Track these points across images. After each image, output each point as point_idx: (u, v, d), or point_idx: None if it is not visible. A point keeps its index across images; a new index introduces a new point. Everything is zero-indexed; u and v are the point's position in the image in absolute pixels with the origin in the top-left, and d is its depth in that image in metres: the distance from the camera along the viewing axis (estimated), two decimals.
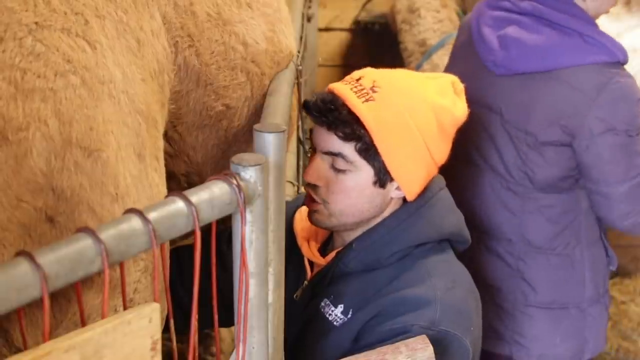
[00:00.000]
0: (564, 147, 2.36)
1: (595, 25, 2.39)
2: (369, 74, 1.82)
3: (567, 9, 2.36)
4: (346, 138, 1.76)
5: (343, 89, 1.78)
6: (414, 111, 1.77)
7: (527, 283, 2.48)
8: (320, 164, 1.80)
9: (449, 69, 2.65)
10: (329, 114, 1.76)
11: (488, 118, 2.43)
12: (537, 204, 2.44)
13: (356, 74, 1.83)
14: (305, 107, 1.82)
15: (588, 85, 2.30)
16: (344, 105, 1.76)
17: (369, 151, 1.76)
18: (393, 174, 1.78)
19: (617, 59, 2.33)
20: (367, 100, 1.75)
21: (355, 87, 1.78)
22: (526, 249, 2.47)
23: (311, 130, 1.84)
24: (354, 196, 1.79)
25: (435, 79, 1.88)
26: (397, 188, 1.81)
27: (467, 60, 2.53)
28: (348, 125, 1.75)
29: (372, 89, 1.77)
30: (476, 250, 2.44)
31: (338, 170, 1.78)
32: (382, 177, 1.78)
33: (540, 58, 2.35)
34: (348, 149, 1.76)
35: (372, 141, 1.75)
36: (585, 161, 2.36)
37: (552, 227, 2.45)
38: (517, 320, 2.50)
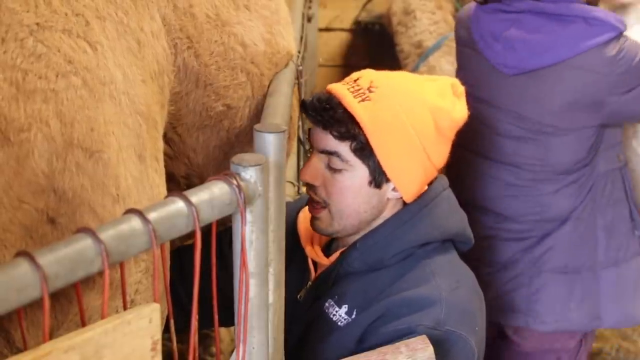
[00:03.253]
0: (586, 129, 2.41)
1: (594, 4, 2.44)
2: (367, 75, 1.82)
3: None
4: (341, 137, 1.76)
5: (340, 88, 1.79)
6: (411, 112, 1.77)
7: (539, 252, 2.50)
8: (317, 163, 1.81)
9: (459, 66, 2.70)
10: (324, 113, 1.77)
11: (500, 117, 2.47)
12: (557, 184, 2.48)
13: (355, 74, 1.84)
14: (303, 106, 1.82)
15: (599, 63, 2.35)
16: (339, 104, 1.76)
17: (363, 151, 1.76)
18: (389, 174, 1.78)
19: (620, 30, 2.37)
20: (363, 100, 1.76)
21: (353, 87, 1.78)
22: (546, 225, 2.50)
23: (310, 130, 1.85)
24: (350, 196, 1.79)
25: (434, 81, 1.88)
26: (394, 189, 1.81)
27: (474, 61, 2.56)
28: (343, 124, 1.75)
29: (368, 89, 1.77)
30: (490, 232, 2.51)
31: (334, 170, 1.79)
32: (378, 177, 1.78)
33: (549, 52, 2.38)
34: (343, 148, 1.77)
35: (367, 141, 1.75)
36: (618, 122, 2.46)
37: (573, 201, 2.48)
38: (532, 289, 2.51)
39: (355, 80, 1.80)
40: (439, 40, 3.87)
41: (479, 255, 2.47)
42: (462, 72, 2.64)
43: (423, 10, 3.99)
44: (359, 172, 1.78)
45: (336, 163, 1.78)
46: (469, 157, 2.53)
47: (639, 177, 2.65)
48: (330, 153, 1.78)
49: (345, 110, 1.76)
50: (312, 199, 1.84)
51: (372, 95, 1.76)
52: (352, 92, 1.77)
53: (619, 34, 2.36)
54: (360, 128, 1.75)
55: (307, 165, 1.82)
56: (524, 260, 2.52)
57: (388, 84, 1.80)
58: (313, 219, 1.85)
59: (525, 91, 2.43)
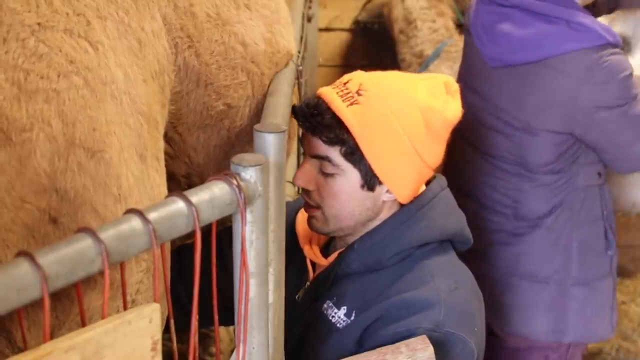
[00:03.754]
0: (558, 134, 2.41)
1: (582, 11, 2.42)
2: (356, 77, 1.80)
3: None
4: (330, 142, 1.75)
5: (329, 92, 1.78)
6: (400, 113, 1.75)
7: (512, 253, 2.52)
8: (309, 168, 1.81)
9: (462, 55, 2.75)
10: (312, 119, 1.76)
11: (483, 105, 2.50)
12: (533, 183, 2.49)
13: (345, 77, 1.82)
14: (293, 112, 1.81)
15: (576, 70, 2.34)
16: (328, 109, 1.75)
17: (354, 155, 1.75)
18: (380, 177, 1.77)
19: (607, 41, 2.35)
20: (351, 104, 1.74)
21: (342, 90, 1.77)
22: (518, 222, 2.52)
23: (302, 135, 1.84)
24: (343, 199, 1.79)
25: (427, 79, 1.85)
26: (388, 191, 1.80)
27: (469, 49, 2.62)
28: (332, 129, 1.74)
29: (357, 92, 1.75)
30: (473, 220, 2.49)
31: (326, 175, 1.78)
32: (370, 181, 1.77)
33: (529, 49, 2.39)
34: (334, 153, 1.76)
35: (356, 145, 1.74)
36: (589, 140, 2.41)
37: (546, 205, 2.49)
38: (499, 289, 2.54)
39: (344, 84, 1.79)
40: (438, 47, 3.88)
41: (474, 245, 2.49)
42: (463, 60, 2.70)
43: (424, 20, 4.00)
44: (350, 176, 1.77)
45: (328, 168, 1.77)
46: (460, 144, 2.55)
47: (618, 196, 2.67)
48: (321, 158, 1.78)
49: (333, 115, 1.74)
50: (307, 202, 1.84)
51: (360, 98, 1.75)
52: (341, 96, 1.76)
53: (606, 44, 2.34)
54: (349, 132, 1.74)
55: (300, 170, 1.82)
56: (500, 260, 2.54)
57: (378, 86, 1.77)
58: (309, 218, 1.86)
59: (504, 85, 2.47)
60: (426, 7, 4.03)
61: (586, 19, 2.37)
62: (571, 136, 2.41)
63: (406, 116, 1.76)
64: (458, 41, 3.86)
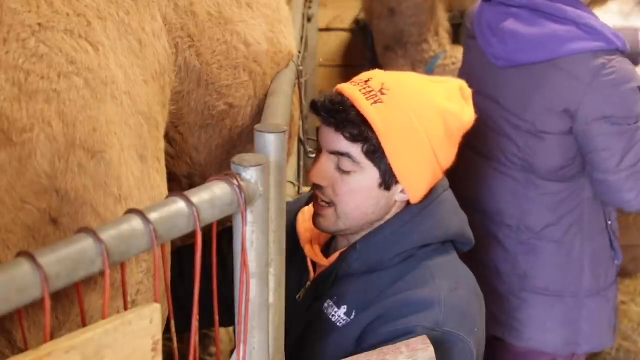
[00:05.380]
0: (565, 135, 2.39)
1: (592, 13, 2.42)
2: (377, 76, 1.82)
3: None
4: (354, 139, 1.76)
5: (352, 90, 1.78)
6: (422, 115, 1.77)
7: (523, 268, 2.50)
8: (326, 164, 1.80)
9: (463, 60, 2.73)
10: (338, 115, 1.76)
11: (489, 108, 2.47)
12: (538, 191, 2.46)
13: (365, 75, 1.83)
14: (314, 107, 1.81)
15: (583, 71, 2.33)
16: (352, 106, 1.76)
17: (375, 153, 1.76)
18: (399, 176, 1.78)
19: (615, 47, 2.34)
20: (375, 102, 1.75)
21: (364, 88, 1.78)
22: (525, 234, 2.50)
23: (319, 130, 1.84)
24: (359, 198, 1.79)
25: (443, 83, 1.88)
26: (402, 191, 1.81)
27: (473, 53, 2.60)
28: (356, 126, 1.75)
29: (380, 91, 1.77)
30: (478, 232, 2.48)
31: (343, 172, 1.79)
32: (388, 180, 1.78)
33: (537, 49, 2.38)
34: (355, 150, 1.76)
35: (379, 143, 1.75)
36: (582, 145, 2.39)
37: (552, 215, 2.47)
38: (512, 304, 2.53)
39: (366, 82, 1.80)
40: (430, 63, 3.88)
41: (480, 256, 2.48)
42: (464, 65, 2.68)
43: (414, 43, 4.01)
44: (369, 174, 1.78)
45: (346, 165, 1.78)
46: (466, 153, 2.52)
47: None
48: (341, 154, 1.78)
49: (358, 112, 1.75)
50: (319, 198, 1.83)
51: (384, 97, 1.76)
52: (365, 94, 1.77)
53: (614, 50, 2.33)
54: (372, 130, 1.75)
55: (316, 166, 1.82)
56: (508, 274, 2.53)
57: (399, 87, 1.79)
58: (316, 216, 1.85)
59: (511, 85, 2.45)
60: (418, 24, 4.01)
61: (596, 22, 2.36)
62: (576, 141, 2.39)
63: (427, 118, 1.78)
64: (453, 51, 3.87)
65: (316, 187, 1.83)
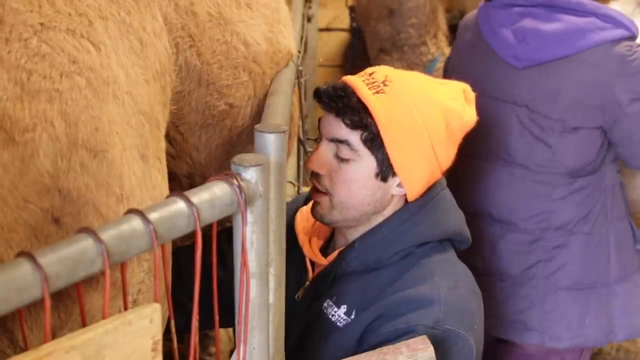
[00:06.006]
0: (595, 129, 2.38)
1: (607, 3, 2.43)
2: (382, 70, 1.85)
3: None
4: (353, 126, 1.77)
5: (355, 80, 1.81)
6: (424, 110, 1.79)
7: (554, 267, 2.47)
8: (324, 151, 1.82)
9: (458, 70, 2.60)
10: (339, 101, 1.78)
11: (512, 112, 2.44)
12: (566, 189, 2.44)
13: (370, 69, 1.86)
14: (317, 94, 1.83)
15: (610, 60, 2.33)
16: (354, 93, 1.78)
17: (374, 142, 1.77)
18: (396, 168, 1.78)
19: (633, 33, 2.36)
20: (377, 92, 1.78)
21: (367, 79, 1.81)
22: (554, 234, 2.47)
23: (320, 119, 1.85)
24: (355, 187, 1.80)
25: (445, 84, 1.90)
26: (399, 185, 1.81)
27: (481, 59, 2.52)
28: (356, 113, 1.77)
29: (383, 82, 1.79)
30: (500, 242, 2.48)
31: (341, 160, 1.79)
32: (385, 170, 1.79)
33: (560, 44, 2.36)
34: (354, 137, 1.78)
35: (378, 132, 1.76)
36: (615, 138, 2.39)
37: (581, 210, 2.45)
38: (546, 307, 2.49)
39: (370, 74, 1.82)
40: (428, 66, 3.87)
41: (492, 269, 2.46)
42: (463, 71, 2.55)
43: (411, 46, 4.00)
44: (366, 163, 1.79)
45: (345, 152, 1.79)
46: (470, 162, 2.50)
47: (634, 191, 2.65)
48: (339, 141, 1.79)
49: (359, 99, 1.77)
50: (315, 187, 1.84)
51: (386, 88, 1.78)
52: (367, 84, 1.79)
53: (633, 36, 2.35)
54: (372, 119, 1.76)
55: (314, 154, 1.83)
56: (538, 277, 2.49)
57: (402, 81, 1.82)
58: (314, 205, 1.86)
59: (535, 84, 2.41)
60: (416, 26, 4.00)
61: (612, 11, 2.37)
62: (602, 130, 2.39)
63: (428, 113, 1.79)
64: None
65: (313, 175, 1.84)
